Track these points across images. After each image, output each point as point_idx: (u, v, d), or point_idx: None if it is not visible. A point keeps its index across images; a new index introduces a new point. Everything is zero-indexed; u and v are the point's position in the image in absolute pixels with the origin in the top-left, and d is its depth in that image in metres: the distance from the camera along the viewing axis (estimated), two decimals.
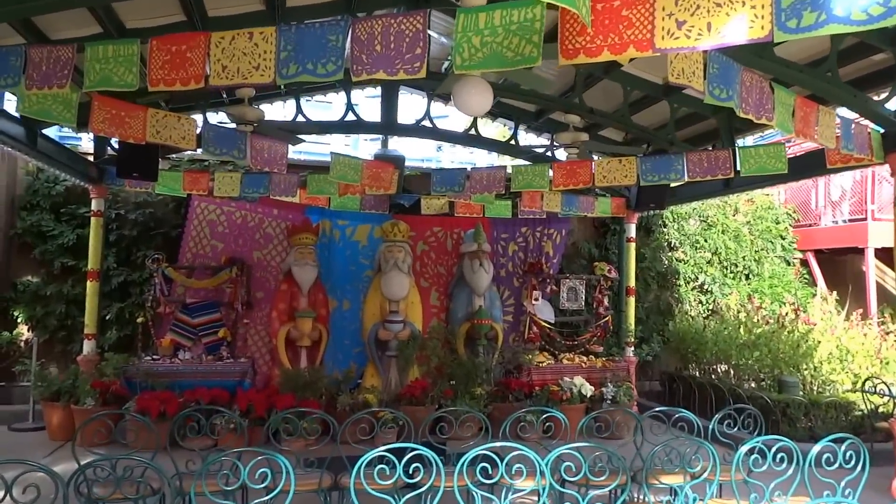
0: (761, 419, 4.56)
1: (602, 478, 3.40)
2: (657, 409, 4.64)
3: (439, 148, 13.45)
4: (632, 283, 9.21)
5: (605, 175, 6.35)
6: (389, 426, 6.51)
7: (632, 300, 9.19)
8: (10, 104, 5.70)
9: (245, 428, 6.43)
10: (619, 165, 6.28)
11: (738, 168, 5.75)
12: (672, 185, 7.46)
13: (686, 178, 6.00)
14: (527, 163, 7.83)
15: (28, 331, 8.45)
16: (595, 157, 7.32)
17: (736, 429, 4.67)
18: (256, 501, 3.27)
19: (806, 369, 8.04)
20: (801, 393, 7.65)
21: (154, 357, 7.61)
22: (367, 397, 7.18)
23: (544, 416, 4.55)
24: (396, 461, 3.16)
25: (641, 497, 3.71)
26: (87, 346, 7.67)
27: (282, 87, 8.03)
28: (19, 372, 7.96)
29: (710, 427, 4.49)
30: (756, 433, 4.03)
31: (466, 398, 7.34)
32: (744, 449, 3.46)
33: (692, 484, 3.64)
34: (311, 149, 10.18)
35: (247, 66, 2.99)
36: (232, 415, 5.12)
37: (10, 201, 8.58)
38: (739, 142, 7.12)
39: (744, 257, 10.99)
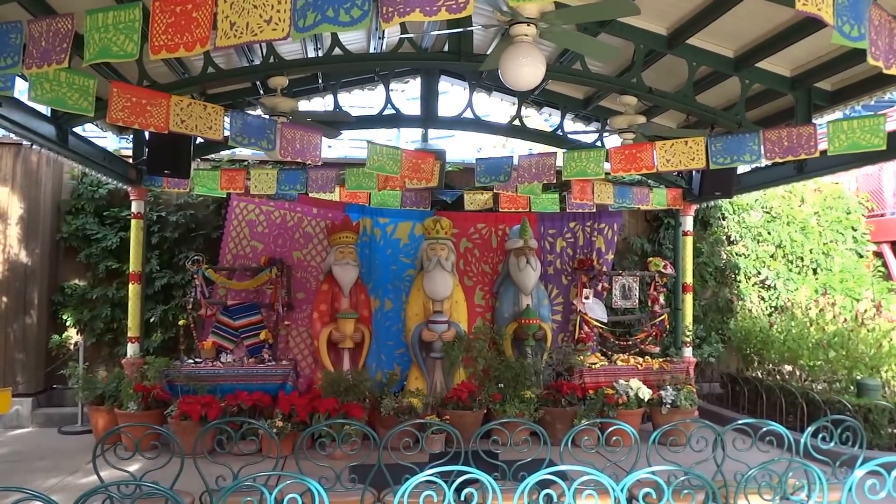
0: (862, 433, 3.90)
1: None
2: (742, 421, 4.04)
3: (479, 150, 13.21)
4: (689, 279, 8.68)
5: (670, 159, 5.76)
6: (436, 431, 6.30)
7: (689, 297, 8.67)
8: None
9: (286, 434, 6.19)
10: (685, 148, 5.69)
11: (824, 147, 5.08)
12: (740, 170, 6.81)
13: (763, 159, 5.39)
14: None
15: (76, 334, 8.43)
16: None
17: (833, 443, 4.05)
18: None
19: (888, 371, 7.25)
20: (882, 397, 6.88)
21: (196, 360, 7.47)
22: (411, 401, 7.08)
23: (611, 428, 3.97)
24: (445, 487, 2.72)
25: None
26: (131, 349, 7.56)
27: (319, 80, 7.75)
28: (69, 375, 7.90)
29: (803, 441, 3.88)
30: (855, 447, 3.41)
31: (516, 402, 7.11)
32: (860, 473, 2.80)
33: None
34: (350, 152, 9.88)
35: (257, 19, 2.47)
36: (265, 427, 4.76)
37: (56, 206, 8.56)
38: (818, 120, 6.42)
39: (811, 250, 10.25)
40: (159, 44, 2.69)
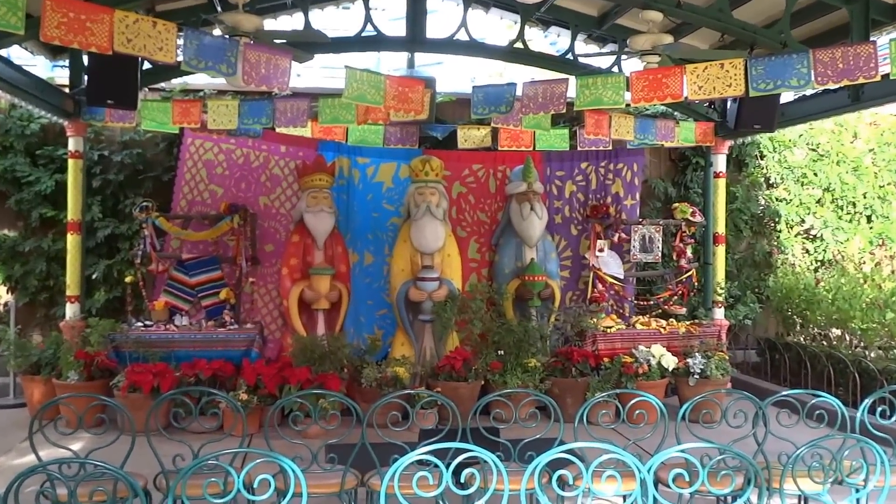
0: None
1: (727, 488, 2.80)
2: (786, 392, 4.02)
3: (473, 80, 13.13)
4: (721, 228, 8.66)
5: (702, 85, 5.56)
6: (426, 405, 6.41)
7: (721, 250, 8.67)
8: None
9: (252, 408, 6.22)
10: (719, 72, 5.49)
11: (887, 70, 4.95)
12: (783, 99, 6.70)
13: (813, 84, 5.24)
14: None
15: (6, 293, 8.46)
16: None
17: (894, 419, 4.04)
18: None
19: None
20: None
21: (146, 323, 7.47)
22: (397, 371, 7.04)
23: (633, 401, 3.96)
24: (442, 466, 2.70)
25: None
26: (70, 311, 7.56)
27: None
28: None
29: (859, 415, 3.88)
30: None
31: (518, 371, 7.12)
32: None
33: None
34: (322, 83, 9.72)
35: None
36: (228, 399, 4.79)
37: None
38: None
39: (864, 195, 10.23)
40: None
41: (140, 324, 7.41)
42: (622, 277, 8.51)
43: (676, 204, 8.80)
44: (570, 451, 2.81)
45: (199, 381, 6.58)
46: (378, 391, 6.68)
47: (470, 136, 8.40)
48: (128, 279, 7.76)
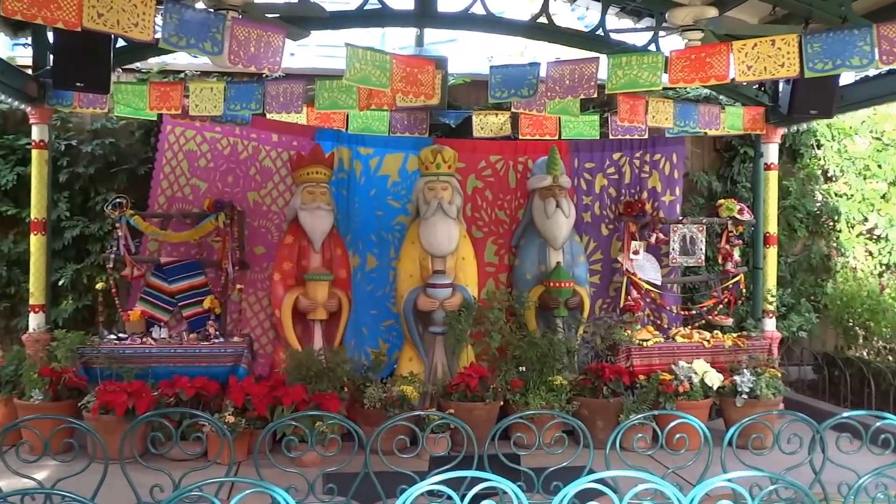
0: None
1: None
2: (847, 414, 4.01)
3: (490, 59, 13.17)
4: (772, 228, 8.71)
5: (751, 65, 5.62)
6: (437, 429, 6.41)
7: (772, 252, 8.70)
8: None
9: (240, 432, 6.27)
10: (770, 50, 5.53)
11: None
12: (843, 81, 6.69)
13: (877, 63, 5.27)
14: None
15: None
16: None
17: None
18: None
19: None
20: None
21: (120, 336, 7.45)
22: (404, 390, 7.07)
23: (672, 424, 3.96)
24: (457, 498, 2.71)
25: None
26: (34, 321, 7.53)
27: None
28: None
29: None
30: None
31: (542, 390, 7.15)
32: None
33: None
34: (319, 63, 9.79)
35: None
36: (213, 422, 4.81)
37: None
38: None
39: None
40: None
41: (113, 336, 7.38)
42: (660, 283, 8.45)
43: (722, 200, 8.79)
44: (600, 481, 2.82)
45: (179, 402, 6.57)
46: (383, 413, 6.71)
47: (487, 124, 8.39)
48: (99, 286, 7.65)
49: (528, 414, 5.30)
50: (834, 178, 10.19)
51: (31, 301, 7.57)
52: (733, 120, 8.26)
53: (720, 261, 8.70)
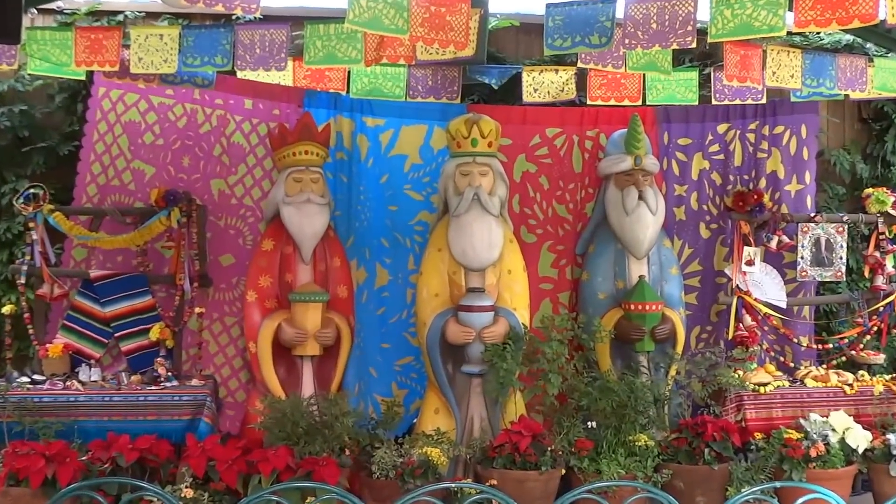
0: None
1: None
2: None
3: None
4: None
5: None
6: None
7: None
8: None
9: None
10: None
11: None
12: None
13: None
14: None
15: None
16: None
17: None
18: None
19: None
20: None
21: (35, 378, 7.45)
22: (427, 453, 7.05)
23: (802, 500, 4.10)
24: None
25: None
26: None
27: None
28: None
29: None
30: None
31: (620, 454, 7.13)
32: None
33: None
34: (310, 2, 10.00)
35: None
36: (165, 497, 4.88)
37: None
38: None
39: None
40: None
41: (25, 379, 7.37)
42: (784, 306, 8.45)
43: (870, 190, 8.85)
44: None
45: (117, 469, 6.55)
46: (398, 484, 6.64)
47: (542, 84, 8.54)
48: (6, 309, 7.77)
49: (601, 486, 5.46)
50: None
51: None
52: (885, 77, 8.21)
53: (867, 274, 8.80)
